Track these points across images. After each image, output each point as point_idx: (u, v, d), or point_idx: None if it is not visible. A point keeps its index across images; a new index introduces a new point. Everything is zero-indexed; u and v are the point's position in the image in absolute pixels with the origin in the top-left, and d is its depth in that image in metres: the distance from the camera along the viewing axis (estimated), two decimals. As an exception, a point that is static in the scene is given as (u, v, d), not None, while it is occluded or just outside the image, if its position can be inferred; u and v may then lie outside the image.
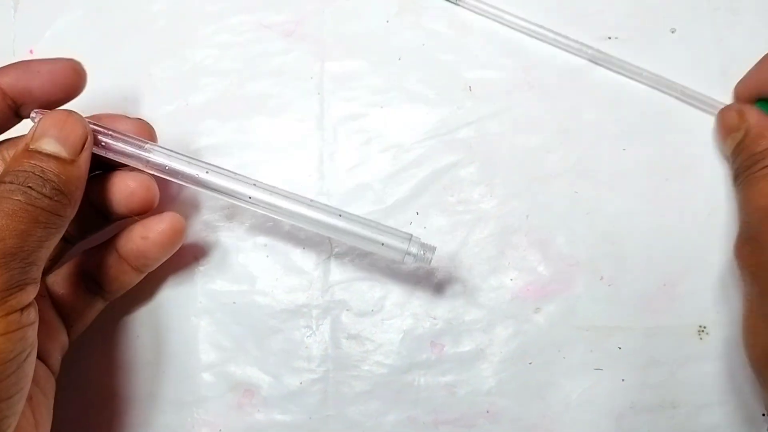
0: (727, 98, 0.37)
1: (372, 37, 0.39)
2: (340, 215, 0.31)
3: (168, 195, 0.36)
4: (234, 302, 0.36)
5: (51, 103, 0.30)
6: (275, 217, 0.32)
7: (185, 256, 0.36)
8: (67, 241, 0.33)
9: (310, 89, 0.38)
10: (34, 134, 0.28)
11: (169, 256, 0.33)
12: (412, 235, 0.31)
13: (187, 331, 0.35)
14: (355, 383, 0.34)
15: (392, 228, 0.31)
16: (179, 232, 0.32)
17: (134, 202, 0.31)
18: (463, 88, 0.38)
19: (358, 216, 0.31)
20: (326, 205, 0.31)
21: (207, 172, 0.31)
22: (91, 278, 0.32)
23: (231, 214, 0.37)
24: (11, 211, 0.25)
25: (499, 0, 0.39)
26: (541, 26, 0.38)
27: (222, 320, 0.35)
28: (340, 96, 0.38)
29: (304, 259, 0.36)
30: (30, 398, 0.28)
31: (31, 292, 0.25)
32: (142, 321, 0.35)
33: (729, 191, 0.36)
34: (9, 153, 0.31)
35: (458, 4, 0.39)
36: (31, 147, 0.27)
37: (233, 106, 0.38)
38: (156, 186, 0.32)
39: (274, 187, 0.31)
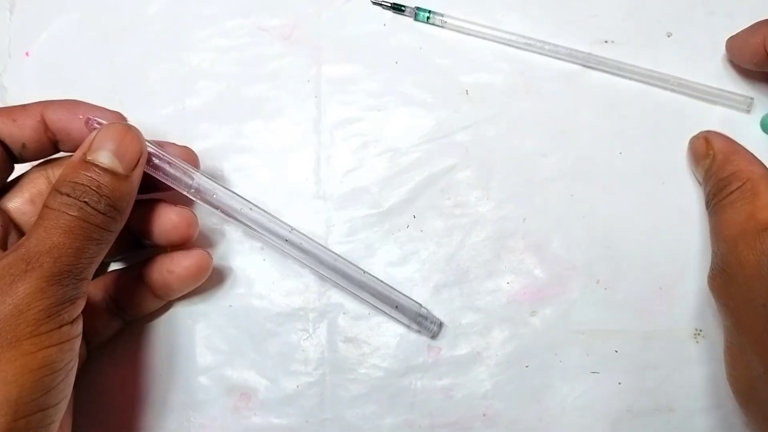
0: (720, 98, 0.37)
1: (368, 41, 0.39)
2: (363, 273, 0.34)
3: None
4: (230, 305, 0.36)
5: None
6: (303, 262, 0.34)
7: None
8: None
9: (307, 93, 0.38)
10: (91, 145, 0.28)
11: (190, 289, 0.34)
12: (421, 304, 0.34)
13: (183, 335, 0.35)
14: (351, 387, 0.34)
15: (406, 296, 0.34)
16: (204, 269, 0.33)
17: (175, 235, 0.32)
18: (460, 91, 0.38)
19: (377, 278, 0.34)
20: (350, 262, 0.34)
21: (250, 209, 0.32)
22: (113, 300, 0.33)
23: (227, 218, 0.37)
24: (68, 227, 0.26)
25: (494, 8, 0.39)
26: (528, 38, 0.38)
27: (218, 323, 0.35)
28: (336, 99, 0.38)
29: (301, 262, 0.36)
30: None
31: (80, 306, 0.26)
32: (138, 325, 0.35)
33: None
34: (54, 172, 0.32)
35: (443, 27, 0.39)
36: (88, 158, 0.27)
37: (230, 109, 0.38)
38: (197, 223, 0.32)
39: (306, 236, 0.33)
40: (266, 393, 0.34)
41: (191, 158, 0.33)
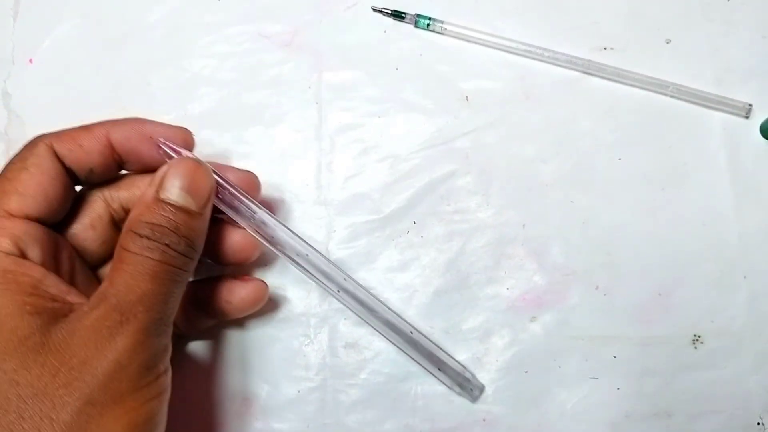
0: (719, 104, 0.37)
1: (369, 48, 0.39)
2: (411, 332, 0.33)
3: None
4: (232, 311, 0.36)
5: (154, 168, 0.29)
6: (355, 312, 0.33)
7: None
8: None
9: (308, 99, 0.39)
10: (163, 182, 0.27)
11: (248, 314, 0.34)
12: (465, 367, 0.34)
13: (185, 341, 0.35)
14: (352, 392, 0.35)
15: (452, 357, 0.34)
16: (261, 299, 0.33)
17: (240, 257, 0.32)
18: (460, 98, 0.38)
19: (426, 337, 0.34)
20: (400, 316, 0.33)
21: (308, 255, 0.32)
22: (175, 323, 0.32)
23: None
24: (153, 272, 0.25)
25: (494, 16, 0.39)
26: (528, 45, 0.38)
27: (220, 329, 0.36)
28: (337, 106, 0.38)
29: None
30: None
31: (170, 352, 0.26)
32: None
33: (724, 201, 0.36)
34: (111, 194, 0.30)
35: (443, 34, 0.39)
36: (161, 197, 0.26)
37: (231, 115, 0.38)
38: (259, 245, 0.32)
39: (360, 286, 0.33)
40: (267, 398, 0.35)
41: (252, 183, 0.32)
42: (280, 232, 0.31)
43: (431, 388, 0.35)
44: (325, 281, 0.32)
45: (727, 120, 0.38)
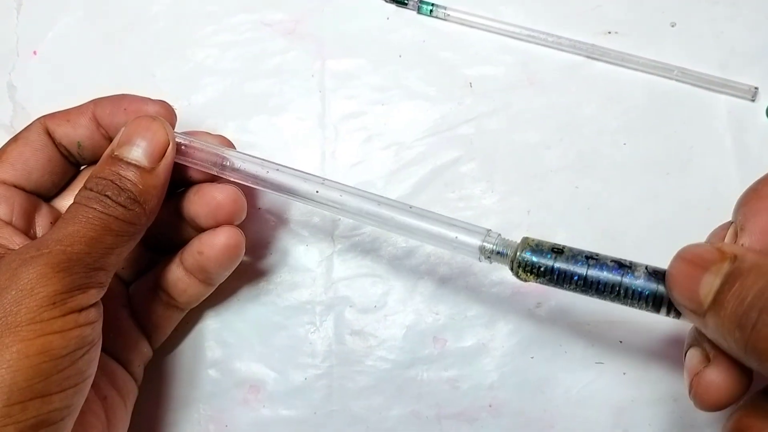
0: (725, 87, 0.37)
1: (372, 35, 0.39)
2: (411, 207, 0.29)
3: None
4: (238, 299, 0.36)
5: None
6: (341, 215, 0.30)
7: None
8: (156, 253, 0.34)
9: (311, 87, 0.39)
10: (118, 140, 0.29)
11: (233, 268, 0.33)
12: (489, 230, 0.28)
13: (192, 329, 0.36)
14: (358, 378, 0.35)
15: (466, 223, 0.29)
16: (236, 246, 0.32)
17: (221, 214, 0.31)
18: (463, 84, 0.38)
19: (431, 212, 0.29)
20: (395, 200, 0.29)
21: (277, 169, 0.30)
22: (164, 290, 0.33)
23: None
24: (85, 218, 0.26)
25: (497, 1, 0.39)
26: (531, 30, 0.38)
27: (227, 317, 0.36)
28: (341, 94, 0.38)
29: (308, 256, 0.36)
30: (104, 398, 0.29)
31: (94, 295, 0.26)
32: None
33: (730, 185, 0.36)
34: None
35: (446, 20, 0.39)
36: (114, 153, 0.28)
37: (235, 105, 0.38)
38: (243, 198, 0.32)
39: (341, 184, 0.30)
40: (274, 385, 0.35)
41: (226, 145, 0.32)
42: (251, 166, 0.30)
43: (437, 374, 0.35)
44: (322, 201, 0.30)
45: (733, 103, 0.37)
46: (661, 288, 0.24)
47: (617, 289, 0.25)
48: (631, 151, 0.37)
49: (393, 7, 0.39)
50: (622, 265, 0.25)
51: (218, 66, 0.39)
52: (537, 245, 0.26)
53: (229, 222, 0.32)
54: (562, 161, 0.37)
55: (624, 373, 0.34)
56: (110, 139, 0.31)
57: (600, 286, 0.25)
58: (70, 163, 0.32)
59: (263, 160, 0.30)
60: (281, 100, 0.38)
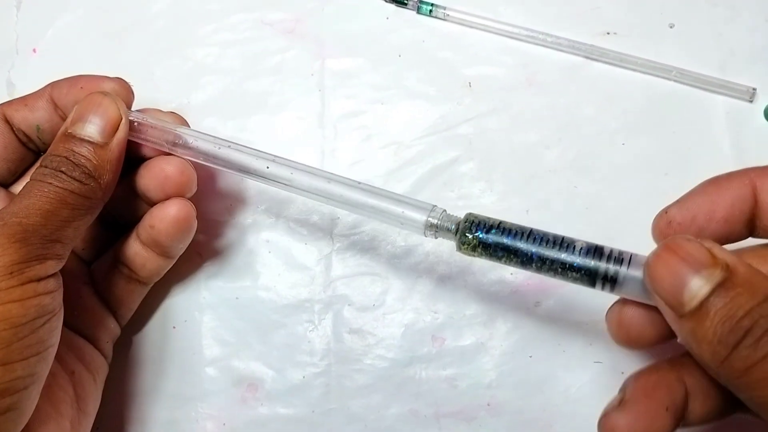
0: (723, 88, 0.37)
1: (371, 35, 0.39)
2: (359, 184, 0.29)
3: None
4: (237, 297, 0.36)
5: None
6: (292, 192, 0.30)
7: (188, 252, 0.36)
8: (115, 232, 0.34)
9: (311, 87, 0.39)
10: (72, 118, 0.29)
11: (187, 240, 0.33)
12: (435, 205, 0.28)
13: (190, 327, 0.36)
14: (357, 377, 0.35)
15: (413, 199, 0.29)
16: (185, 219, 0.31)
17: (170, 186, 0.31)
18: (463, 84, 0.38)
19: (380, 188, 0.29)
20: (345, 177, 0.29)
21: (229, 146, 0.30)
22: (125, 265, 0.33)
23: (233, 210, 0.37)
24: (40, 192, 0.27)
25: (496, 1, 0.39)
26: (531, 30, 0.38)
27: (225, 315, 0.36)
28: (340, 93, 0.38)
29: (307, 255, 0.36)
30: (72, 373, 0.30)
31: (52, 266, 0.26)
32: (146, 317, 0.36)
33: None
34: None
35: (446, 20, 0.39)
36: (68, 131, 0.29)
37: (234, 103, 0.39)
38: (192, 170, 0.32)
39: (292, 161, 0.30)
40: (273, 383, 0.35)
41: (179, 122, 0.33)
42: (203, 142, 0.30)
43: (435, 372, 0.35)
44: (272, 178, 0.30)
45: (731, 104, 0.37)
46: (596, 264, 0.25)
47: (556, 264, 0.26)
48: (629, 151, 0.37)
49: (393, 6, 0.39)
50: (560, 241, 0.26)
51: (218, 65, 0.39)
52: (480, 221, 0.27)
53: (179, 194, 0.31)
54: (561, 161, 0.37)
55: (622, 373, 0.34)
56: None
57: (540, 261, 0.26)
58: (29, 150, 0.32)
59: (215, 137, 0.31)
60: (281, 99, 0.39)
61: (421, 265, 0.36)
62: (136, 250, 0.32)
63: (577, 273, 0.26)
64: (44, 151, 0.32)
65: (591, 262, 0.25)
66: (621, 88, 0.38)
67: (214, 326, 0.36)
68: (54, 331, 0.26)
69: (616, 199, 0.36)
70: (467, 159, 0.37)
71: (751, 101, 0.37)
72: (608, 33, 0.39)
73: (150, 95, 0.39)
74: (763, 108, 0.37)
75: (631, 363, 0.34)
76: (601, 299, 0.35)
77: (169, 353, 0.35)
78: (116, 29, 0.40)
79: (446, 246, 0.36)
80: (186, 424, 0.35)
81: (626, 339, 0.26)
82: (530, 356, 0.35)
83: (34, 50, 0.40)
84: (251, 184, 0.37)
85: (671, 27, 0.39)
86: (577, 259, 0.26)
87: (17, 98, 0.32)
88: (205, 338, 0.36)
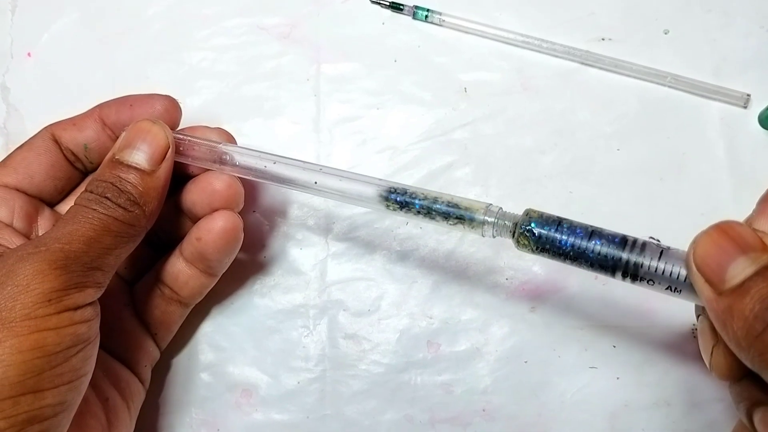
0: (717, 94, 0.37)
1: (367, 40, 0.39)
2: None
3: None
4: (232, 303, 0.36)
5: None
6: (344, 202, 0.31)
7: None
8: (158, 252, 0.33)
9: (306, 91, 0.39)
10: (119, 144, 0.29)
11: (233, 255, 0.33)
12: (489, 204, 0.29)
13: (185, 332, 0.35)
14: (352, 382, 0.35)
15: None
16: (233, 230, 0.31)
17: (217, 201, 0.31)
18: (458, 89, 0.38)
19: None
20: (390, 181, 0.29)
21: (274, 162, 0.30)
22: (167, 285, 0.32)
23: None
24: (84, 218, 0.26)
25: (492, 7, 0.39)
26: (526, 36, 0.38)
27: (220, 321, 0.36)
28: (336, 98, 0.38)
29: (302, 260, 0.36)
30: (106, 400, 0.29)
31: (91, 295, 0.26)
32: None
33: (722, 191, 0.36)
34: None
35: (441, 25, 0.39)
36: (116, 157, 0.28)
37: (230, 108, 0.38)
38: (239, 184, 0.31)
39: (339, 170, 0.30)
40: (267, 389, 0.35)
41: (225, 137, 0.32)
42: (249, 158, 0.30)
43: (431, 378, 0.35)
44: (319, 188, 0.30)
45: (726, 110, 0.38)
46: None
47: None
48: (624, 156, 0.37)
49: (388, 12, 0.39)
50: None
51: (214, 69, 0.39)
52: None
53: (226, 209, 0.31)
54: (556, 166, 0.37)
55: (618, 378, 0.34)
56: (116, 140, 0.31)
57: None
58: (76, 169, 0.32)
59: (261, 152, 0.31)
60: (276, 103, 0.38)
61: (416, 270, 0.36)
62: (179, 267, 0.32)
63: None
64: (91, 171, 0.32)
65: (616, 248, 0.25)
66: (616, 93, 0.38)
67: (208, 332, 0.36)
68: (88, 360, 0.26)
69: (611, 204, 0.37)
70: (463, 164, 0.37)
71: (745, 107, 0.37)
72: (603, 39, 0.39)
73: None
74: (757, 114, 0.37)
75: (626, 369, 0.34)
76: (597, 305, 0.35)
77: (163, 359, 0.35)
78: (111, 33, 0.40)
79: (443, 250, 0.36)
80: (180, 429, 0.34)
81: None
82: (525, 361, 0.35)
83: (29, 54, 0.40)
84: (245, 189, 0.37)
85: (666, 33, 0.39)
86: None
87: (66, 119, 0.32)
88: (200, 344, 0.35)
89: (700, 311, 0.27)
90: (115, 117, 0.31)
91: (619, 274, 0.25)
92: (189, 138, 0.31)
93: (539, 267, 0.36)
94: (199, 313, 0.36)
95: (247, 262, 0.36)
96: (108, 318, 0.27)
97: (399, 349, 0.35)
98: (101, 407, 0.29)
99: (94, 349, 0.26)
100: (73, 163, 0.32)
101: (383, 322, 0.35)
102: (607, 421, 0.34)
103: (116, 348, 0.31)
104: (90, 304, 0.26)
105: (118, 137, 0.31)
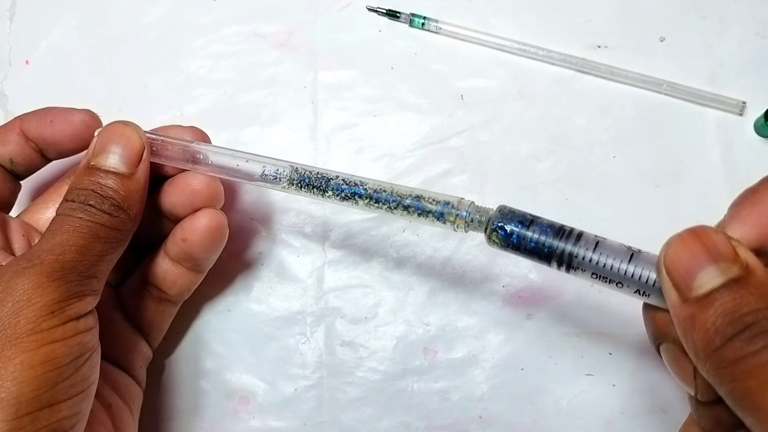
0: (713, 101, 0.37)
1: (364, 47, 0.39)
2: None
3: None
4: (229, 310, 0.36)
5: (68, 151, 0.32)
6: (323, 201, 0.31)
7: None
8: (139, 254, 0.33)
9: (304, 99, 0.39)
10: (93, 150, 0.29)
11: (218, 251, 0.32)
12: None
13: (183, 339, 0.36)
14: (349, 389, 0.35)
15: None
16: (218, 227, 0.31)
17: (198, 200, 0.31)
18: (455, 97, 0.38)
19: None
20: (373, 179, 0.30)
21: (247, 161, 0.30)
22: (154, 285, 0.32)
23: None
24: (72, 227, 0.26)
25: (488, 15, 0.39)
26: (522, 43, 0.38)
27: (217, 328, 0.36)
28: (333, 105, 0.39)
29: (299, 267, 0.36)
30: (109, 406, 0.29)
31: (90, 303, 0.26)
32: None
33: (718, 198, 0.36)
34: None
35: (438, 33, 0.39)
36: (91, 163, 0.28)
37: (227, 115, 0.39)
38: (218, 182, 0.31)
39: (320, 168, 0.31)
40: (265, 396, 0.35)
41: (199, 137, 0.32)
42: (223, 157, 0.30)
43: (427, 385, 0.35)
44: (297, 189, 0.30)
45: (721, 117, 0.38)
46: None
47: None
48: (620, 163, 0.37)
49: (385, 19, 0.40)
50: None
51: (211, 77, 0.39)
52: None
53: (207, 207, 0.31)
54: (553, 173, 0.37)
55: (614, 385, 0.35)
56: (41, 152, 0.31)
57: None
58: (14, 176, 0.32)
59: (235, 151, 0.30)
60: (273, 111, 0.39)
61: (413, 277, 0.36)
62: (166, 267, 0.32)
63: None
64: (23, 177, 0.32)
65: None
66: (612, 100, 0.38)
67: (206, 338, 0.36)
68: (95, 368, 0.26)
69: (607, 211, 0.37)
70: (459, 171, 0.37)
71: (741, 114, 0.37)
72: (599, 46, 0.39)
73: (143, 107, 0.39)
74: (753, 121, 0.37)
75: (621, 376, 0.35)
76: (593, 312, 0.35)
77: (161, 366, 0.35)
78: (109, 41, 0.40)
79: (439, 257, 0.36)
80: (178, 437, 0.35)
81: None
82: (522, 369, 0.35)
83: (27, 62, 0.40)
84: (243, 196, 0.37)
85: (662, 40, 0.39)
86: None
87: None
88: (198, 351, 0.35)
89: (659, 340, 0.26)
90: (35, 132, 0.31)
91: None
92: (162, 138, 0.31)
93: (535, 275, 0.36)
94: (196, 320, 0.36)
95: (244, 269, 0.36)
96: (100, 324, 0.27)
97: (396, 357, 0.35)
98: (106, 413, 0.29)
99: (98, 357, 0.26)
100: (9, 172, 0.31)
101: (380, 329, 0.36)
102: (603, 428, 0.34)
103: (111, 352, 0.31)
104: (90, 312, 0.26)
105: (42, 151, 0.31)
